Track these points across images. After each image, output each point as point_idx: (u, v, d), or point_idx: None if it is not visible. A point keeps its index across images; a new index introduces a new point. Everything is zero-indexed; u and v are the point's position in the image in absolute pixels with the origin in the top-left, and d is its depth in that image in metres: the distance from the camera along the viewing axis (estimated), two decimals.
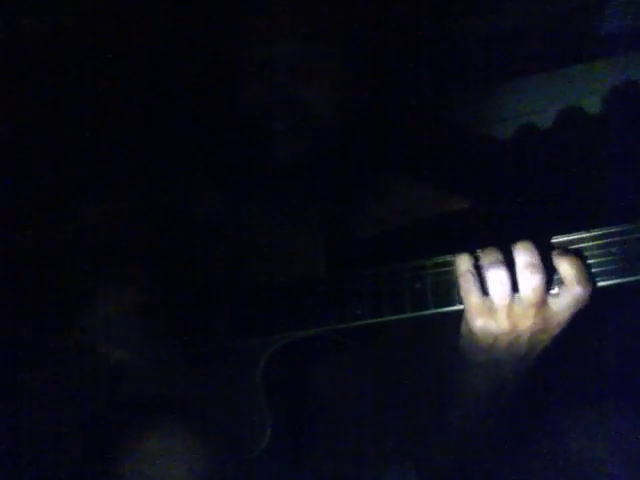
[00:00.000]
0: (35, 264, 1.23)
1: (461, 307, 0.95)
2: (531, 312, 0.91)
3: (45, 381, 1.21)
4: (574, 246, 0.91)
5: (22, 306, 1.21)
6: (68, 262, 1.22)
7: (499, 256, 0.92)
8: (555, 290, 0.91)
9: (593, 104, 1.44)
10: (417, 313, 0.98)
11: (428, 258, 0.98)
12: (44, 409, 1.20)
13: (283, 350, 1.09)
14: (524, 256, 0.90)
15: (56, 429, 1.18)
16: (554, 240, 0.93)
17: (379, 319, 1.00)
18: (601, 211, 1.27)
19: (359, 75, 1.24)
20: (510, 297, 0.91)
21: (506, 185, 1.39)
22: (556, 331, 0.94)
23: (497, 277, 0.91)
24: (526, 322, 0.92)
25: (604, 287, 0.91)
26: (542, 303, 0.91)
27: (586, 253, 0.91)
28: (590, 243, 0.91)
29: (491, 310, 0.92)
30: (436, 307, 0.97)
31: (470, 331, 0.95)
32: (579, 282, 0.89)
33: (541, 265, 0.89)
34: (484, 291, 0.92)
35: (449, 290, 0.96)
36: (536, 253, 0.90)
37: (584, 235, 0.91)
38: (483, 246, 0.94)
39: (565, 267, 0.89)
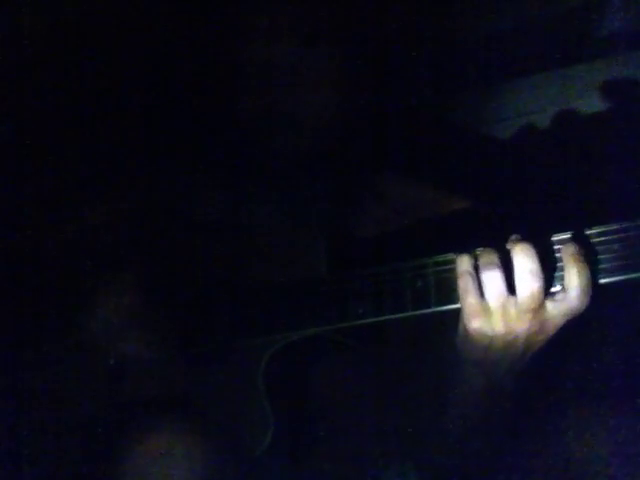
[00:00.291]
0: (35, 264, 1.23)
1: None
2: (528, 316, 0.91)
3: (45, 381, 1.21)
4: (576, 244, 0.91)
5: (22, 306, 1.21)
6: (68, 262, 1.22)
7: (495, 258, 0.92)
8: (555, 289, 0.91)
9: (593, 104, 1.44)
10: (418, 311, 0.98)
11: (429, 257, 0.98)
12: (44, 409, 1.20)
13: (284, 350, 1.09)
14: (523, 261, 0.90)
15: (56, 429, 1.18)
16: (553, 238, 0.93)
17: (380, 318, 1.00)
18: (601, 209, 1.27)
19: (359, 75, 1.24)
20: (505, 299, 0.91)
21: (506, 185, 1.39)
22: (552, 333, 0.94)
23: (492, 279, 0.91)
24: (522, 325, 0.92)
25: (604, 285, 0.91)
26: (539, 308, 0.91)
27: (587, 250, 0.91)
28: (592, 240, 0.91)
29: (487, 311, 0.92)
30: (437, 305, 0.97)
31: (466, 331, 0.95)
32: (581, 292, 0.89)
33: (540, 270, 0.89)
34: (482, 292, 0.92)
35: (450, 288, 0.96)
36: (536, 258, 0.90)
37: (587, 233, 0.91)
38: (483, 246, 0.94)
39: (572, 275, 0.89)
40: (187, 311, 1.16)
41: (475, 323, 0.93)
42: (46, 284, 1.22)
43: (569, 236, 0.92)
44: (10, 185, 1.31)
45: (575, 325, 0.95)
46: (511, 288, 0.91)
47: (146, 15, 1.32)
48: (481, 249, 0.94)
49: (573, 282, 0.89)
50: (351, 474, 1.19)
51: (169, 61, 1.32)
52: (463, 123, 1.52)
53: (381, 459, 1.20)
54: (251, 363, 1.09)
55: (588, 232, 0.91)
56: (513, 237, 0.93)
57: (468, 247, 0.96)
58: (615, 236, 0.90)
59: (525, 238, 0.92)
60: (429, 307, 0.98)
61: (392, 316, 0.99)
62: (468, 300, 0.92)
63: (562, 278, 0.91)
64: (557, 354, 1.05)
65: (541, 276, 0.89)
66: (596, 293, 0.91)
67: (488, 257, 0.92)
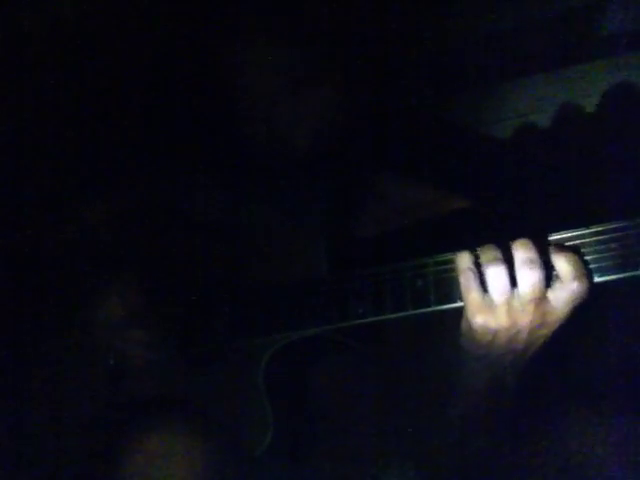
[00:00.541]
0: (35, 264, 1.23)
1: (462, 304, 0.95)
2: (530, 308, 0.91)
3: (45, 381, 1.21)
4: (573, 242, 0.92)
5: (22, 306, 1.21)
6: (68, 262, 1.22)
7: (497, 253, 0.92)
8: (554, 285, 0.92)
9: (593, 104, 1.44)
10: (419, 310, 0.98)
11: (429, 256, 0.98)
12: (44, 409, 1.20)
13: (284, 350, 1.09)
14: (522, 253, 0.91)
15: (56, 429, 1.18)
16: (552, 237, 0.94)
17: (381, 317, 1.00)
18: (600, 208, 1.27)
19: (359, 75, 1.24)
20: (509, 293, 0.91)
21: (506, 184, 1.39)
22: (555, 326, 0.94)
23: (495, 274, 0.91)
24: (525, 317, 0.92)
25: (604, 283, 0.91)
26: (541, 299, 0.91)
27: (586, 249, 0.91)
28: (589, 239, 0.91)
29: (491, 307, 0.92)
30: (437, 304, 0.97)
31: (470, 328, 0.95)
32: (576, 278, 0.89)
33: (539, 261, 0.90)
34: (484, 288, 0.93)
35: (450, 287, 0.97)
36: (534, 250, 0.90)
37: (584, 231, 0.92)
38: (484, 244, 0.95)
39: (562, 263, 0.90)
40: (187, 311, 1.16)
41: (479, 319, 0.93)
42: (46, 284, 1.22)
43: (567, 235, 0.93)
44: (10, 185, 1.31)
45: (575, 325, 0.95)
46: (512, 282, 0.91)
47: (146, 14, 1.32)
48: (480, 247, 0.94)
49: (566, 269, 0.90)
50: (351, 474, 1.20)
51: (169, 61, 1.32)
52: (463, 123, 1.52)
53: (381, 459, 1.21)
54: (251, 363, 1.09)
55: (586, 231, 0.92)
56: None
57: (468, 247, 0.96)
58: (613, 235, 0.90)
59: (524, 235, 0.93)
60: (429, 306, 0.98)
61: (392, 316, 0.99)
62: (471, 296, 0.93)
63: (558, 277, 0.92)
64: (557, 354, 1.05)
65: (540, 266, 0.90)
66: (595, 293, 0.92)
67: (490, 253, 0.92)
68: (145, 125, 1.37)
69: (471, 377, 1.02)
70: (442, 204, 1.22)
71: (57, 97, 1.35)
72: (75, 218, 1.26)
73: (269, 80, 1.18)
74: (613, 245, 0.90)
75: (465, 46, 1.47)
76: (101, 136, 1.36)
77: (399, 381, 1.15)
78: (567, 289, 0.90)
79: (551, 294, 0.91)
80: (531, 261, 0.90)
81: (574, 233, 0.92)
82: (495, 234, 0.97)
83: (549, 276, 0.91)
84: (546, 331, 0.94)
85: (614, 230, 0.90)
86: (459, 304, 0.96)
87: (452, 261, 0.96)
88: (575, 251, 0.91)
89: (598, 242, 0.91)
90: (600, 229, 0.91)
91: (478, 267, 0.93)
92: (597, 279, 0.91)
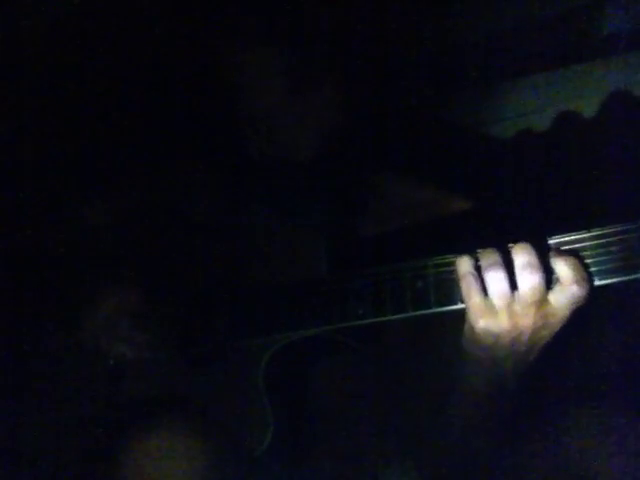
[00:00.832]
0: (35, 264, 1.23)
1: (462, 306, 0.95)
2: (531, 310, 0.91)
3: (45, 381, 1.21)
4: (574, 245, 0.92)
5: (22, 306, 1.21)
6: (68, 262, 1.22)
7: (497, 257, 0.92)
8: (555, 288, 0.92)
9: (593, 104, 1.44)
10: (419, 312, 0.98)
11: (429, 257, 0.98)
12: (44, 409, 1.20)
13: (284, 350, 1.09)
14: (522, 256, 0.90)
15: (56, 429, 1.18)
16: (553, 240, 0.93)
17: (381, 318, 1.00)
18: (601, 210, 1.27)
19: (359, 76, 1.24)
20: (510, 297, 0.91)
21: (506, 185, 1.39)
22: (557, 328, 0.94)
23: (496, 278, 0.91)
24: (527, 320, 0.92)
25: (604, 286, 0.91)
26: (542, 301, 0.91)
27: (586, 252, 0.91)
28: (590, 242, 0.91)
29: (492, 310, 0.92)
30: (438, 306, 0.97)
31: (472, 331, 0.95)
32: (576, 281, 0.89)
33: (539, 264, 0.90)
34: (485, 291, 0.93)
35: (450, 289, 0.96)
36: (534, 253, 0.90)
37: (584, 235, 0.92)
38: (483, 246, 0.95)
39: (562, 267, 0.90)
40: (187, 311, 1.16)
41: (482, 322, 0.93)
42: (46, 284, 1.22)
43: (568, 238, 0.93)
44: (10, 185, 1.31)
45: (575, 325, 0.95)
46: (512, 285, 0.92)
47: (146, 14, 1.32)
48: (480, 250, 0.94)
49: (565, 272, 0.90)
50: (351, 474, 1.20)
51: (169, 61, 1.32)
52: (463, 123, 1.52)
53: (381, 459, 1.21)
54: (251, 363, 1.09)
55: (587, 234, 0.92)
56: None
57: (467, 247, 0.96)
58: (614, 238, 0.90)
59: (524, 237, 0.93)
60: (429, 308, 0.98)
61: (392, 317, 0.99)
62: (472, 300, 0.93)
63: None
64: (557, 354, 1.05)
65: (541, 269, 0.90)
66: (596, 294, 0.92)
67: (490, 257, 0.92)
68: (145, 125, 1.37)
69: (472, 378, 1.02)
70: (442, 204, 1.22)
71: (57, 97, 1.35)
72: (75, 218, 1.27)
73: (269, 80, 1.18)
74: (614, 248, 0.90)
75: (465, 46, 1.47)
76: (101, 136, 1.36)
77: (399, 381, 1.15)
78: (567, 292, 0.90)
79: (552, 297, 0.91)
80: (531, 265, 0.90)
81: (575, 236, 0.92)
82: (495, 234, 0.97)
83: (549, 279, 0.91)
84: (547, 333, 0.94)
85: (615, 233, 0.90)
86: (459, 306, 0.96)
87: (452, 263, 0.96)
88: (575, 254, 0.90)
89: (599, 245, 0.90)
90: (601, 232, 0.91)
91: (478, 271, 0.93)
92: (598, 282, 0.90)
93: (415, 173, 1.28)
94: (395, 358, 1.16)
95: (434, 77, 1.45)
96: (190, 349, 1.15)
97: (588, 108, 1.45)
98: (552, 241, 0.93)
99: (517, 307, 0.91)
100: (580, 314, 0.93)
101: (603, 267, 0.90)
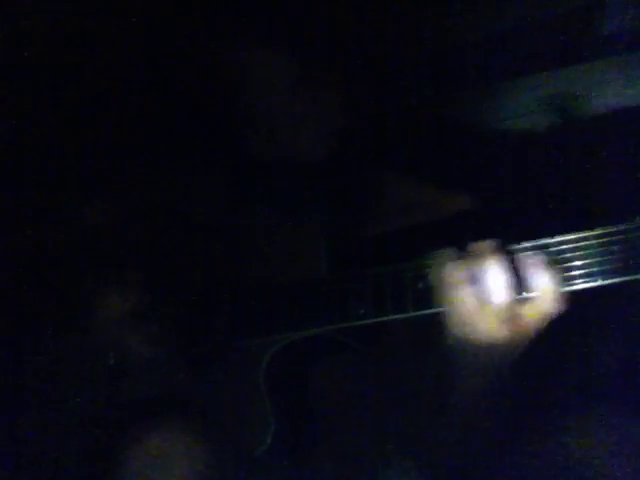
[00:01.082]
0: (35, 264, 1.23)
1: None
2: (510, 315, 0.92)
3: (45, 381, 1.21)
4: (576, 244, 0.92)
5: (22, 306, 1.21)
6: (68, 262, 1.22)
7: (474, 263, 0.93)
8: (529, 294, 0.93)
9: (593, 104, 1.44)
10: (420, 312, 0.98)
11: (431, 257, 0.98)
12: (44, 409, 1.20)
13: (285, 350, 1.09)
14: (495, 263, 0.91)
15: (56, 429, 1.18)
16: (555, 239, 0.94)
17: (382, 318, 1.00)
18: (601, 211, 1.27)
19: (359, 75, 1.24)
20: (487, 302, 0.92)
21: (506, 185, 1.39)
22: (534, 331, 0.95)
23: (474, 284, 0.92)
24: (510, 324, 0.93)
25: (606, 285, 0.91)
26: (517, 307, 0.92)
27: (588, 252, 0.91)
28: (592, 242, 0.91)
29: (477, 314, 0.93)
30: (438, 306, 0.98)
31: (462, 332, 0.96)
32: (546, 295, 0.91)
33: (513, 273, 0.91)
34: (468, 295, 0.93)
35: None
36: (506, 261, 0.91)
37: (586, 234, 0.92)
38: (484, 246, 0.95)
39: (534, 276, 0.91)
40: (187, 311, 1.16)
41: (465, 326, 0.94)
42: (46, 284, 1.22)
43: (567, 237, 0.93)
44: (10, 185, 1.31)
45: (575, 325, 0.96)
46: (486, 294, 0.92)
47: (146, 14, 1.32)
48: (460, 257, 0.95)
49: (537, 281, 0.91)
50: (351, 474, 1.20)
51: (169, 61, 1.32)
52: (463, 123, 1.52)
53: (381, 459, 1.21)
54: (252, 363, 1.09)
55: (589, 234, 0.92)
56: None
57: (467, 247, 0.97)
58: (616, 238, 0.90)
59: (496, 248, 0.94)
60: (430, 308, 0.98)
61: (393, 317, 0.99)
62: (456, 304, 0.94)
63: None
64: (557, 354, 1.05)
65: (512, 276, 0.91)
66: (596, 294, 0.92)
67: (469, 264, 0.93)
68: (145, 125, 1.37)
69: (470, 377, 1.02)
70: (442, 204, 1.22)
71: (57, 97, 1.35)
72: (75, 218, 1.26)
73: (269, 80, 1.18)
74: (616, 248, 0.90)
75: (465, 46, 1.47)
76: (101, 136, 1.36)
77: (399, 381, 1.15)
78: (537, 305, 0.92)
79: (525, 307, 0.93)
80: (505, 273, 0.91)
81: (577, 235, 0.92)
82: (495, 234, 0.97)
83: (524, 284, 0.92)
84: (528, 335, 0.95)
85: (617, 233, 0.90)
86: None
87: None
88: (545, 262, 0.92)
89: (601, 245, 0.91)
90: (603, 232, 0.91)
91: (460, 276, 0.94)
92: (600, 282, 0.91)
93: (415, 173, 1.28)
94: (396, 358, 1.16)
95: (434, 77, 1.45)
96: (190, 349, 1.15)
97: (588, 108, 1.45)
98: (555, 240, 0.93)
99: (499, 311, 0.92)
100: (580, 314, 0.94)
101: (605, 267, 0.90)
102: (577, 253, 0.92)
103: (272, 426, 1.08)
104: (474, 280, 0.93)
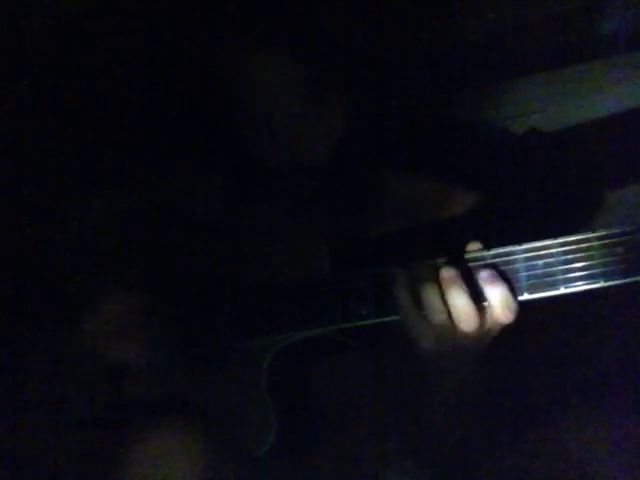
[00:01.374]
0: (36, 264, 1.23)
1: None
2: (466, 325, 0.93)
3: (45, 381, 1.21)
4: (578, 246, 0.92)
5: (22, 306, 1.21)
6: (68, 262, 1.22)
7: (431, 276, 0.94)
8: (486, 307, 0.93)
9: (593, 104, 1.44)
10: (421, 312, 0.98)
11: (431, 259, 0.98)
12: (44, 409, 1.20)
13: (287, 350, 1.09)
14: (449, 274, 0.93)
15: (56, 429, 1.18)
16: (557, 240, 0.94)
17: (383, 319, 1.01)
18: (601, 210, 1.27)
19: (360, 75, 1.24)
20: (444, 314, 0.93)
21: (506, 185, 1.39)
22: (491, 337, 0.97)
23: (430, 296, 0.93)
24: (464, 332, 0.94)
25: (610, 287, 0.91)
26: (476, 317, 0.93)
27: (591, 253, 0.92)
28: (595, 243, 0.91)
29: (427, 325, 0.95)
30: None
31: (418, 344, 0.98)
32: (501, 307, 0.92)
33: (466, 283, 0.92)
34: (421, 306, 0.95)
35: None
36: (459, 274, 0.93)
37: (589, 235, 0.92)
38: (486, 246, 0.95)
39: (489, 290, 0.92)
40: (188, 311, 1.16)
41: (421, 334, 0.96)
42: (46, 284, 1.22)
43: (570, 239, 0.93)
44: (10, 185, 1.31)
45: (576, 326, 0.96)
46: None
47: (146, 14, 1.32)
48: (417, 268, 0.96)
49: (491, 295, 0.92)
50: (352, 474, 1.20)
51: (170, 61, 1.32)
52: (463, 123, 1.52)
53: (382, 459, 1.21)
54: (253, 363, 1.09)
55: (592, 235, 0.92)
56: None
57: (463, 247, 0.97)
58: (619, 239, 0.90)
59: (451, 260, 0.95)
60: None
61: (395, 317, 1.00)
62: (408, 314, 0.96)
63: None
64: (557, 355, 1.05)
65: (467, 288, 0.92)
66: (596, 294, 0.92)
67: (424, 275, 0.94)
68: (145, 125, 1.37)
69: (470, 377, 1.03)
70: (443, 204, 1.22)
71: (57, 97, 1.35)
72: (75, 218, 1.26)
73: (269, 80, 1.18)
74: (619, 249, 0.90)
75: (465, 46, 1.47)
76: (101, 136, 1.36)
77: (400, 381, 1.15)
78: (493, 316, 0.93)
79: (486, 317, 0.93)
80: (459, 284, 0.92)
81: (580, 237, 0.92)
82: (495, 234, 0.98)
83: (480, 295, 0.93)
84: (485, 342, 0.97)
85: (620, 234, 0.90)
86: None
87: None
88: (504, 281, 0.92)
89: (604, 246, 0.91)
90: (606, 233, 0.91)
91: (415, 286, 0.95)
92: (602, 284, 0.91)
93: (416, 173, 1.29)
94: (397, 358, 1.16)
95: (434, 77, 1.45)
96: (191, 349, 1.15)
97: (588, 108, 1.45)
98: (557, 241, 0.93)
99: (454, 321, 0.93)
100: (580, 314, 0.94)
101: (608, 268, 0.90)
102: (579, 255, 0.92)
103: (273, 426, 1.08)
104: (411, 297, 0.94)
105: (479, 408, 1.08)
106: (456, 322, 0.92)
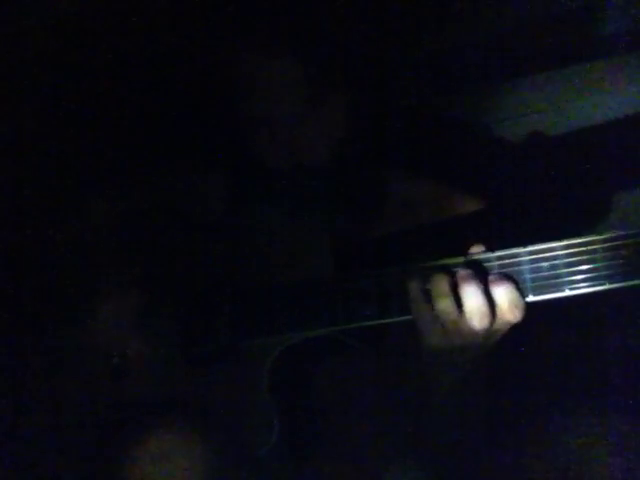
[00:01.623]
0: (36, 264, 1.23)
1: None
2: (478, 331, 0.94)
3: (46, 381, 1.21)
4: (583, 248, 0.92)
5: (22, 306, 1.21)
6: (69, 262, 1.22)
7: (444, 282, 0.94)
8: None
9: (593, 104, 1.44)
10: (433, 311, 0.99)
11: (435, 260, 0.98)
12: (45, 409, 1.20)
13: (290, 350, 1.09)
14: (466, 273, 0.93)
15: (56, 429, 1.18)
16: (562, 243, 0.94)
17: (386, 320, 1.01)
18: (602, 210, 1.27)
19: (360, 76, 1.24)
20: (456, 316, 0.93)
21: (507, 185, 1.39)
22: (499, 337, 0.97)
23: (442, 301, 0.94)
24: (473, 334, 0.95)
25: (614, 289, 0.92)
26: (489, 316, 0.93)
27: (596, 255, 0.92)
28: (599, 246, 0.91)
29: (440, 325, 0.95)
30: None
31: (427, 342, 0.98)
32: (509, 309, 0.92)
33: (482, 289, 0.92)
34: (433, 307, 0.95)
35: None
36: (476, 281, 0.93)
37: (594, 238, 0.92)
38: (489, 247, 0.95)
39: (498, 295, 0.92)
40: (189, 311, 1.16)
41: (433, 336, 0.96)
42: (47, 284, 1.22)
43: (574, 241, 0.93)
44: (10, 185, 1.31)
45: (576, 326, 0.96)
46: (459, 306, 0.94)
47: (146, 14, 1.32)
48: (430, 274, 0.96)
49: (501, 300, 0.92)
50: (353, 473, 1.20)
51: (170, 61, 1.32)
52: (463, 123, 1.52)
53: (382, 459, 1.21)
54: (255, 364, 1.09)
55: (597, 237, 0.92)
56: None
57: (466, 248, 0.97)
58: (623, 242, 0.90)
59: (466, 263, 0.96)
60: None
61: (398, 318, 1.00)
62: (421, 316, 0.96)
63: None
64: (557, 354, 1.05)
65: (482, 297, 0.92)
66: (596, 295, 0.92)
67: (438, 281, 0.95)
68: (145, 125, 1.37)
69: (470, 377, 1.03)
70: (444, 204, 1.22)
71: (57, 97, 1.35)
72: (76, 218, 1.26)
73: (270, 80, 1.18)
74: (623, 252, 0.90)
75: (465, 46, 1.47)
76: (102, 136, 1.36)
77: (402, 382, 1.16)
78: (501, 317, 0.93)
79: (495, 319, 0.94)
80: (476, 285, 0.92)
81: (584, 239, 0.92)
82: (496, 235, 0.98)
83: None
84: (492, 342, 0.97)
85: (624, 237, 0.90)
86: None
87: (457, 265, 0.97)
88: (512, 281, 0.93)
89: (608, 248, 0.91)
90: (610, 235, 0.91)
91: (428, 284, 0.95)
92: (607, 286, 0.91)
93: (417, 173, 1.29)
94: (398, 359, 1.16)
95: (434, 77, 1.45)
96: (192, 349, 1.15)
97: (588, 108, 1.45)
98: (562, 243, 0.93)
99: (462, 324, 0.94)
100: (579, 314, 0.94)
101: (612, 271, 0.90)
102: (583, 257, 0.92)
103: (275, 426, 1.08)
104: (425, 300, 0.95)
105: (479, 408, 1.08)
106: (468, 320, 0.92)
